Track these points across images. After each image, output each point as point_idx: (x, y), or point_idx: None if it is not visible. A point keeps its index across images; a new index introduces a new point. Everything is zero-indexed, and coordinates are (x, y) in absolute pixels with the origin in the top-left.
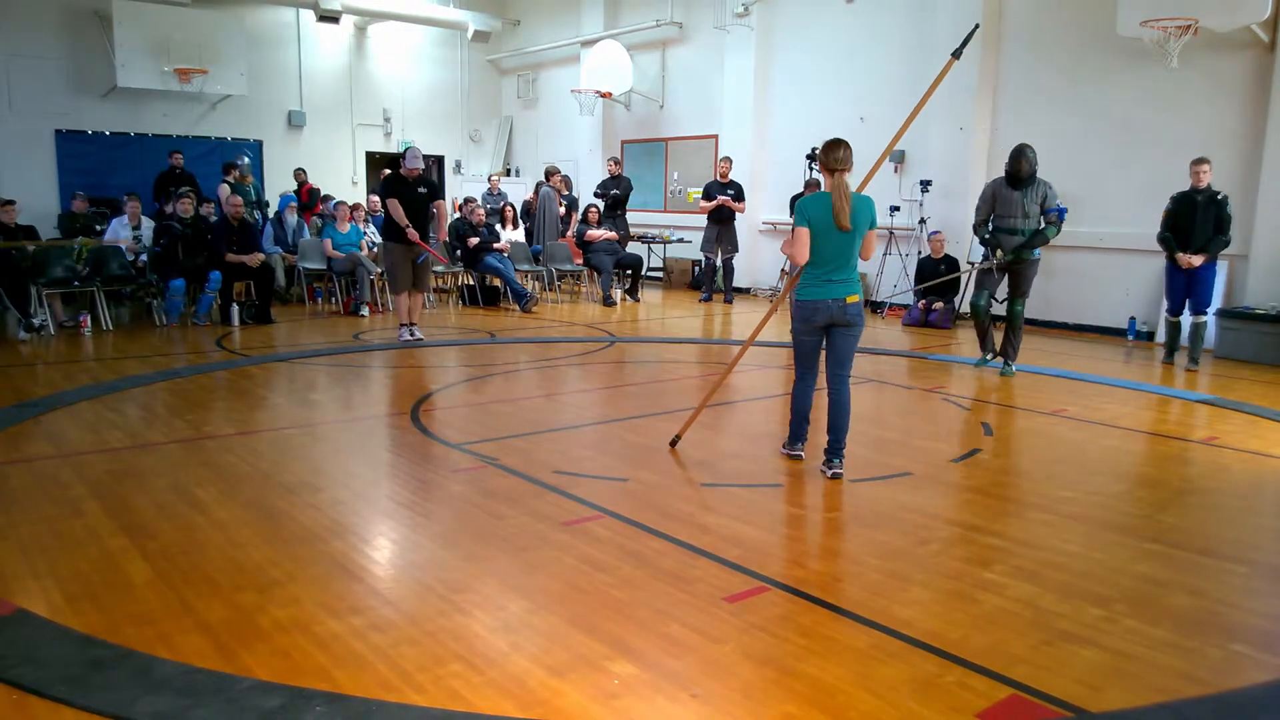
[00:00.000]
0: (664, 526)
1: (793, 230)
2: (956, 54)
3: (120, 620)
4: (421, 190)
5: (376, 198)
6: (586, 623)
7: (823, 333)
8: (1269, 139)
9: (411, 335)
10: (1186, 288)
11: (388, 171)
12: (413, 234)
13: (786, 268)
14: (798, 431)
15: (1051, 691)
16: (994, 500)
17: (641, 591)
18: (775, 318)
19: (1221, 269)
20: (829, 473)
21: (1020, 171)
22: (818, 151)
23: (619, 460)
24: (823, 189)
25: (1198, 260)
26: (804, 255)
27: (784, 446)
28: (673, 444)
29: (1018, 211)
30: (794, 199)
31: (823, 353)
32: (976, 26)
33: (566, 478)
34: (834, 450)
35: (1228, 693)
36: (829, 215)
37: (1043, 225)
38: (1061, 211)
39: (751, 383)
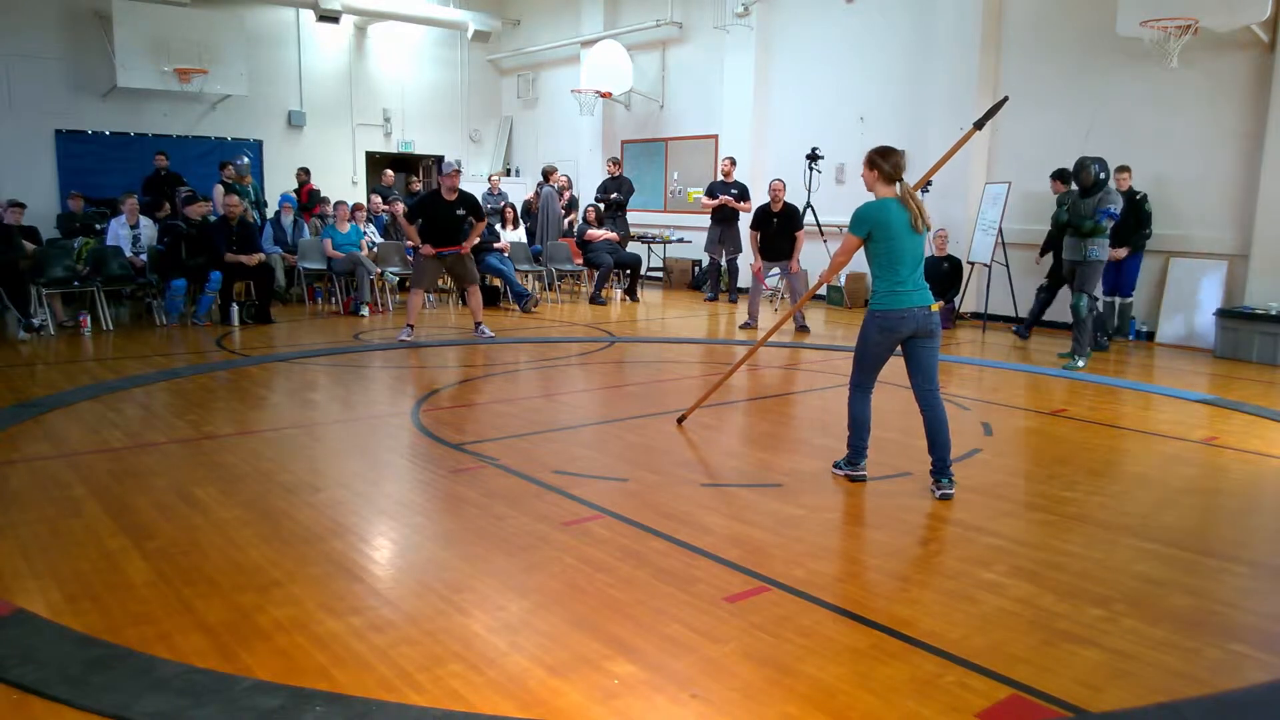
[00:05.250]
0: (664, 526)
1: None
2: (979, 124)
3: (120, 620)
4: (459, 212)
5: (378, 198)
6: (586, 623)
7: (898, 345)
8: (1269, 139)
9: (409, 336)
10: (1114, 275)
11: (418, 188)
12: (426, 250)
13: (799, 267)
14: (860, 446)
15: (1051, 691)
16: (994, 500)
17: (641, 591)
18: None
19: (1221, 269)
20: (938, 493)
21: (1081, 183)
22: (889, 161)
23: (619, 460)
24: (878, 196)
25: (1122, 253)
26: (843, 261)
27: (843, 466)
28: (680, 421)
29: (1078, 218)
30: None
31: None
32: (1006, 99)
33: (566, 478)
34: (941, 470)
35: (1228, 693)
36: (904, 219)
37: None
38: (1102, 213)
39: (752, 383)
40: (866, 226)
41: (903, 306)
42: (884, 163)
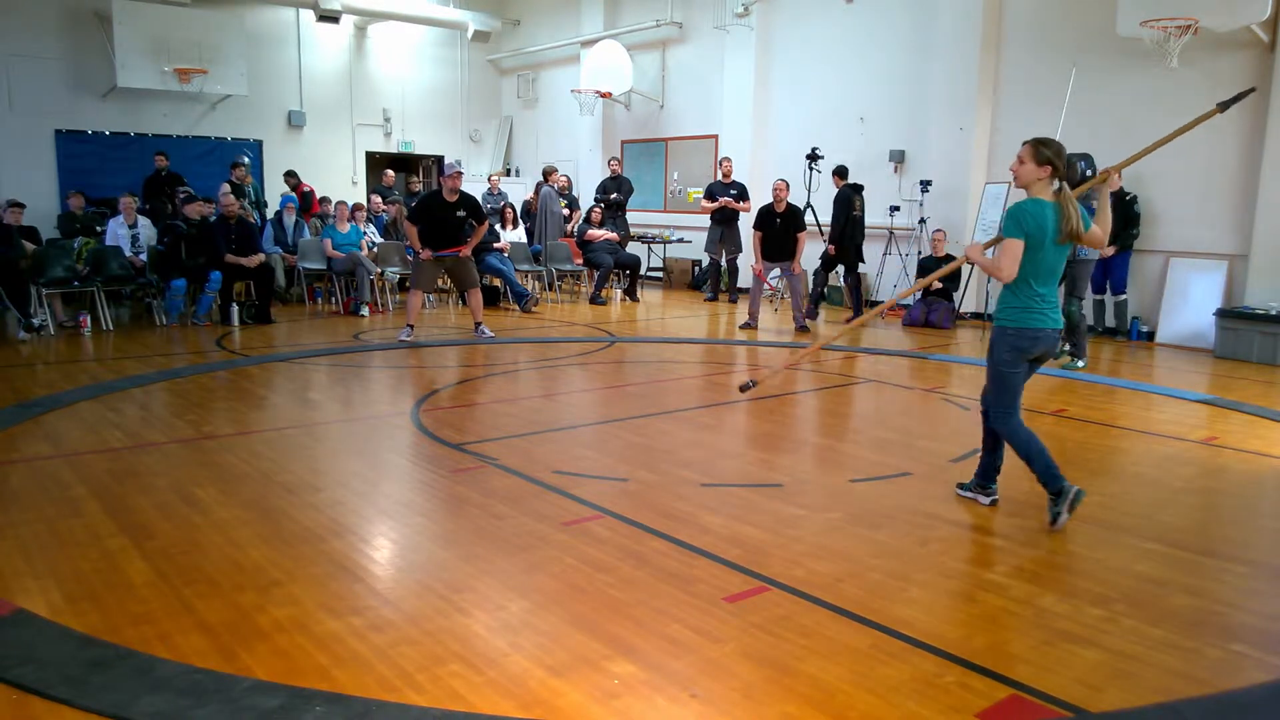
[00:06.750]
0: (664, 526)
1: (999, 241)
2: (1223, 106)
3: (120, 620)
4: (460, 213)
5: (378, 198)
6: (586, 623)
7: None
8: (1269, 139)
9: (409, 336)
10: (1104, 274)
11: (418, 188)
12: (426, 254)
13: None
14: (1052, 467)
15: (1051, 691)
16: None
17: (641, 591)
18: (768, 317)
19: (1221, 269)
20: (986, 500)
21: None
22: (1053, 151)
23: (619, 460)
24: (1033, 195)
25: (1109, 251)
26: (1013, 271)
27: (1060, 505)
28: (743, 389)
29: None
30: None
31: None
32: (1253, 89)
33: (566, 478)
34: (992, 477)
35: (1228, 693)
36: (1056, 226)
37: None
38: (1089, 210)
39: None
40: (1025, 229)
41: (1038, 326)
42: (1051, 153)
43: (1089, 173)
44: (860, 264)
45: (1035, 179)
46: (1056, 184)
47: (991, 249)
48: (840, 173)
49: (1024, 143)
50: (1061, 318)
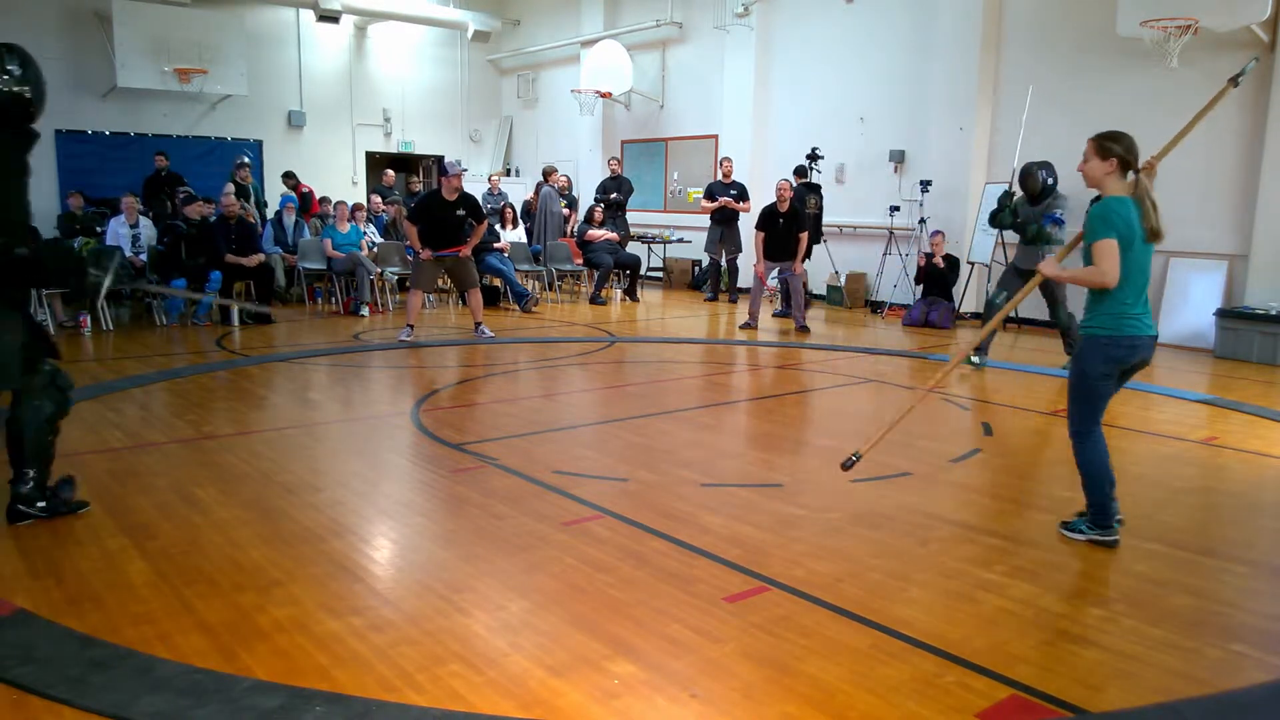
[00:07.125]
0: (664, 526)
1: (1090, 244)
2: (1235, 81)
3: (120, 620)
4: (460, 212)
5: (378, 197)
6: (586, 623)
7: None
8: (1269, 139)
9: (409, 336)
10: None
11: (418, 188)
12: (426, 254)
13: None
14: (1104, 501)
15: (1051, 691)
16: (994, 500)
17: (641, 591)
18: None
19: (1221, 269)
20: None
21: (1028, 190)
22: (1123, 146)
23: (619, 460)
24: (1108, 193)
25: None
26: (1116, 274)
27: (1084, 529)
28: (846, 466)
29: (1024, 224)
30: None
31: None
32: (1256, 59)
33: (566, 478)
34: (1108, 519)
35: (1228, 693)
36: (1140, 223)
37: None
38: (1048, 218)
39: (752, 383)
40: (1116, 228)
41: (1135, 334)
42: (1119, 147)
43: (1049, 181)
44: (806, 260)
45: (1104, 174)
46: (1130, 177)
47: (1064, 259)
48: (799, 171)
49: (1088, 140)
50: (1151, 325)
